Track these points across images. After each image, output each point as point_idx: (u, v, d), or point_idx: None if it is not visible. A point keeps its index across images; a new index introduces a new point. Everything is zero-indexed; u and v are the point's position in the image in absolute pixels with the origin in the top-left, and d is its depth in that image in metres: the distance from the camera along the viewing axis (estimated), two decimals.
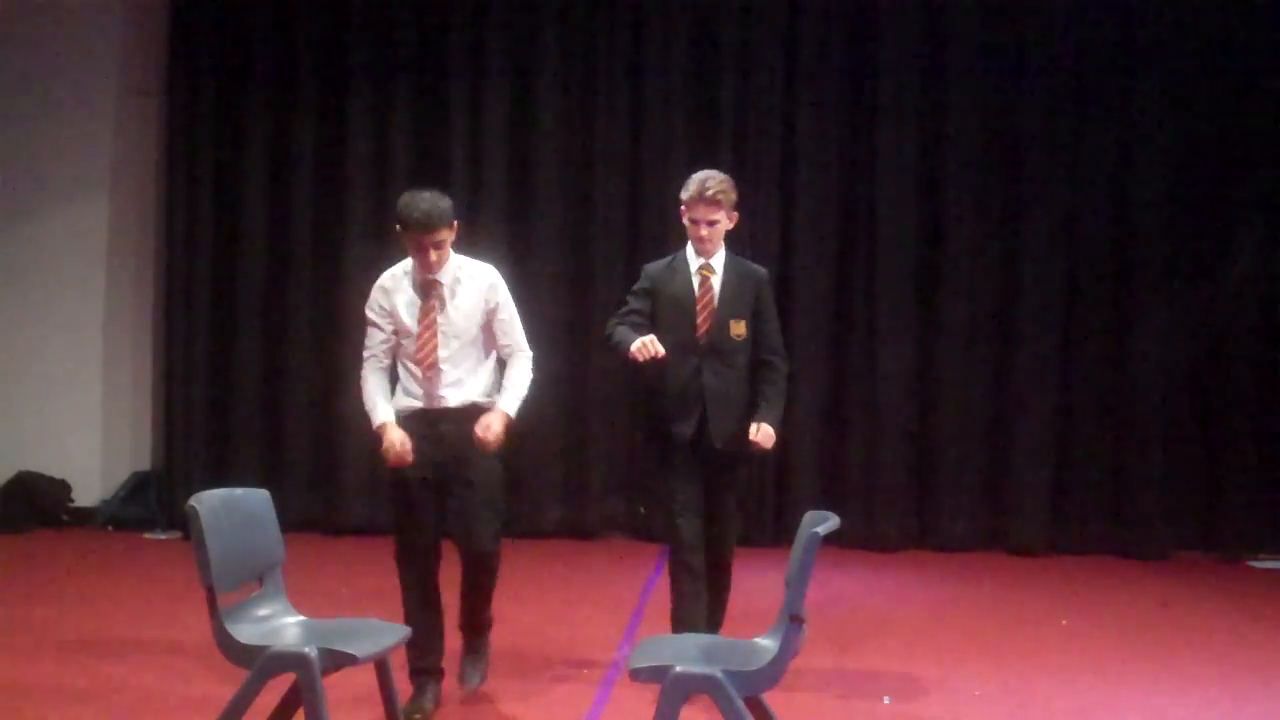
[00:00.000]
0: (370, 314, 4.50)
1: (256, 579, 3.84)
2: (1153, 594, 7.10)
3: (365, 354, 4.50)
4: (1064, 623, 6.29)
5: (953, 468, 8.35)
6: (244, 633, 3.63)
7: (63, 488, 8.58)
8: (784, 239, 8.39)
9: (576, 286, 8.52)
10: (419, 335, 4.41)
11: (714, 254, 4.74)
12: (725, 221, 4.71)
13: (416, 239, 4.33)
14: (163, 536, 8.30)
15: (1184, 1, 8.27)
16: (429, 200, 4.33)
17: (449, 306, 4.43)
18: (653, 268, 4.87)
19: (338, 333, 8.31)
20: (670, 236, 7.29)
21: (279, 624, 3.81)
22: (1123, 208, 8.32)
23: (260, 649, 3.54)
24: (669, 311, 4.74)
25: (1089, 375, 8.34)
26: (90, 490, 8.64)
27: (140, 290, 8.90)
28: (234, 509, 3.79)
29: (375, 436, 4.43)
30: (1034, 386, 8.30)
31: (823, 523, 3.42)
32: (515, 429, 4.49)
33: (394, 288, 4.47)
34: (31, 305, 8.69)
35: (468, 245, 8.61)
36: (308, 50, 8.61)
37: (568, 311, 8.48)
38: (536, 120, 8.54)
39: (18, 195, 8.67)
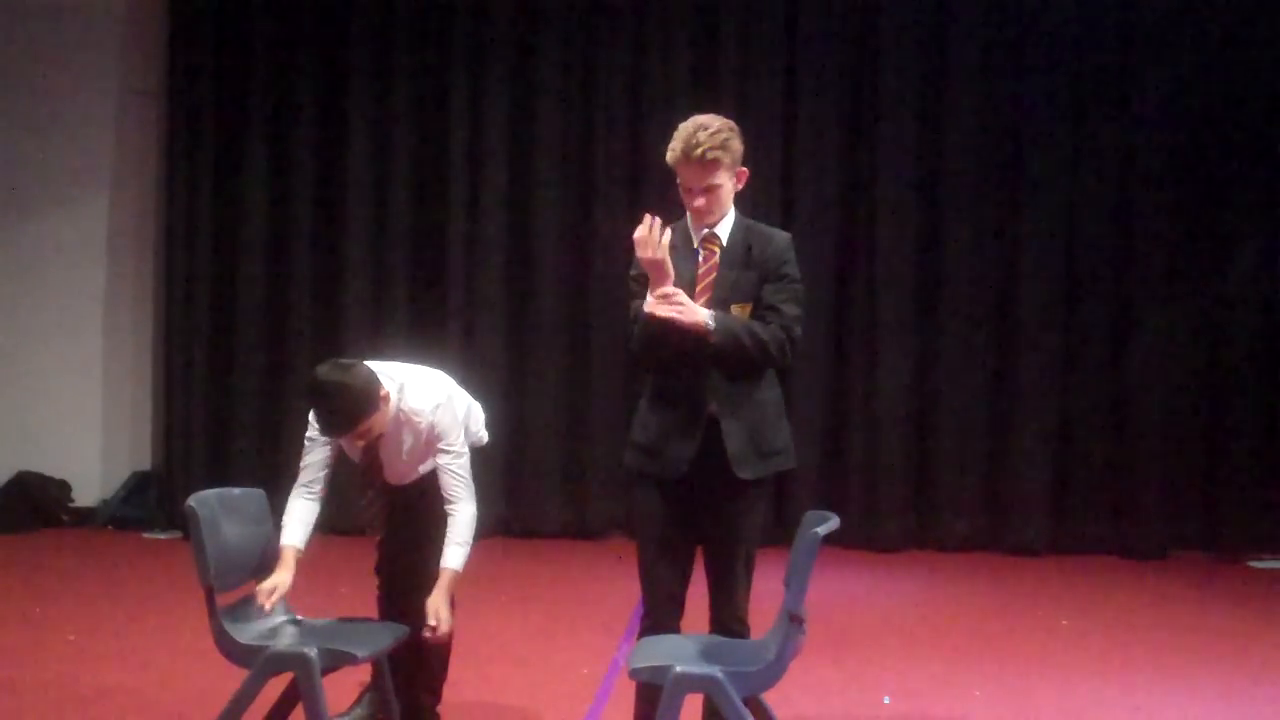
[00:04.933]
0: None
1: (256, 579, 3.84)
2: (1153, 594, 7.11)
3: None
4: (1064, 623, 6.29)
5: (953, 468, 8.35)
6: (244, 633, 3.63)
7: (63, 488, 8.59)
8: None
9: (576, 286, 8.52)
10: (364, 495, 4.16)
11: (719, 221, 3.62)
12: (728, 183, 3.59)
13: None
14: (163, 536, 8.29)
15: (1184, 1, 8.28)
16: (335, 405, 3.75)
17: (389, 454, 4.07)
18: None
19: (338, 333, 8.32)
20: None
21: (279, 624, 3.81)
22: (1123, 208, 8.32)
23: (260, 649, 3.54)
24: None
25: (1089, 375, 8.34)
26: (90, 490, 8.64)
27: (140, 290, 8.89)
28: (234, 509, 3.79)
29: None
30: (1034, 386, 8.30)
31: (823, 523, 3.41)
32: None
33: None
34: (32, 305, 8.69)
35: (468, 246, 8.68)
36: (308, 50, 8.59)
37: (567, 312, 8.49)
38: (536, 120, 8.54)
39: (18, 195, 8.68)
